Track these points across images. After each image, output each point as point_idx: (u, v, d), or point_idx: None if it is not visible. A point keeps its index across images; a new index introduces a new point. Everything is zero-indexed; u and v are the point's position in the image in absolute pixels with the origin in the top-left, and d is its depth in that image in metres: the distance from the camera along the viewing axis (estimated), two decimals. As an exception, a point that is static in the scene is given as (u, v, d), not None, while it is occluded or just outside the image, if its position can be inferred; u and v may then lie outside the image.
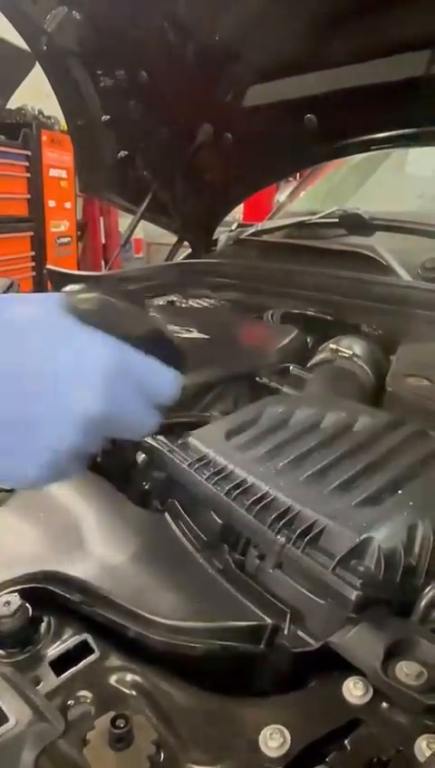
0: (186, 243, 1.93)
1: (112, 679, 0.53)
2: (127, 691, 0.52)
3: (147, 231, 5.59)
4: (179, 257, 1.93)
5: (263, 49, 1.29)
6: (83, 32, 1.41)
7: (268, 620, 0.56)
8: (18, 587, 0.58)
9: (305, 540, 0.58)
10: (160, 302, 1.53)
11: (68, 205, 5.12)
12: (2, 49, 3.31)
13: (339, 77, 1.26)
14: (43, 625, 0.57)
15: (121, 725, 0.48)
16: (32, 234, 4.70)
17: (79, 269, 5.00)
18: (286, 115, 1.38)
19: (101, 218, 5.95)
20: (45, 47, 1.43)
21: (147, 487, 0.84)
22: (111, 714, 0.49)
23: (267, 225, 1.81)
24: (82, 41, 1.43)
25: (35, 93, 3.53)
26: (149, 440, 0.80)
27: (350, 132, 1.45)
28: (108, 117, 1.59)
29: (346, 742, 0.47)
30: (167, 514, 0.72)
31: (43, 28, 1.39)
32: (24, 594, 0.57)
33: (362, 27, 1.17)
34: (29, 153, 4.51)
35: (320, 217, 1.61)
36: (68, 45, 1.45)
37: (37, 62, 1.54)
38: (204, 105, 1.50)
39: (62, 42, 1.43)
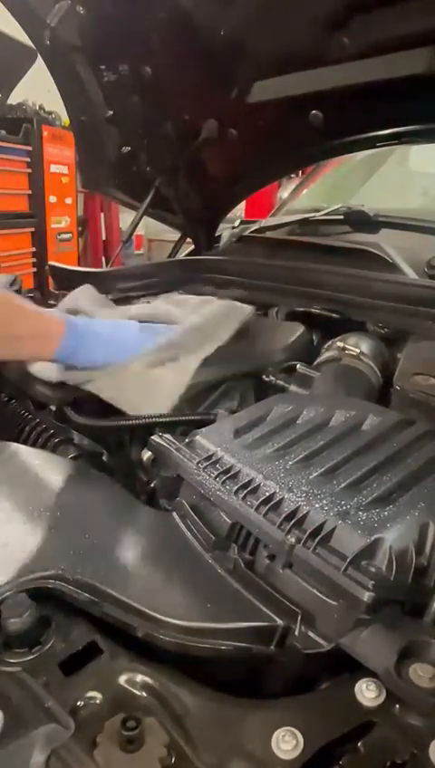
0: (188, 240, 1.92)
1: (122, 680, 0.52)
2: (137, 692, 0.51)
3: (147, 227, 5.58)
4: (182, 254, 1.92)
5: (269, 44, 1.28)
6: (87, 26, 1.39)
7: (279, 621, 0.55)
8: (27, 587, 0.57)
9: (316, 540, 0.58)
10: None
11: (69, 201, 5.10)
12: (3, 43, 3.30)
13: (345, 73, 1.25)
14: (52, 625, 0.56)
15: (132, 727, 0.47)
16: (32, 230, 4.68)
17: (79, 265, 4.98)
18: (292, 111, 1.37)
19: (102, 214, 5.94)
20: (48, 42, 1.42)
21: (154, 486, 0.84)
22: (121, 715, 0.49)
23: (271, 221, 1.80)
24: (86, 35, 1.42)
25: (36, 88, 3.51)
26: (156, 438, 0.80)
27: (355, 129, 1.44)
28: (111, 112, 1.57)
29: (359, 744, 0.46)
30: (175, 513, 0.72)
31: (46, 22, 1.38)
32: (33, 594, 0.56)
33: (368, 23, 1.17)
34: (30, 149, 4.49)
35: (324, 214, 1.60)
36: (71, 40, 1.44)
37: (39, 57, 1.53)
38: (208, 101, 1.49)
39: (66, 36, 1.42)
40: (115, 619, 0.56)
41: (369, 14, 1.15)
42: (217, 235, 1.87)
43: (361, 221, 1.50)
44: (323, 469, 0.67)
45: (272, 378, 1.00)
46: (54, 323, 0.93)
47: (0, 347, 0.92)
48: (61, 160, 4.82)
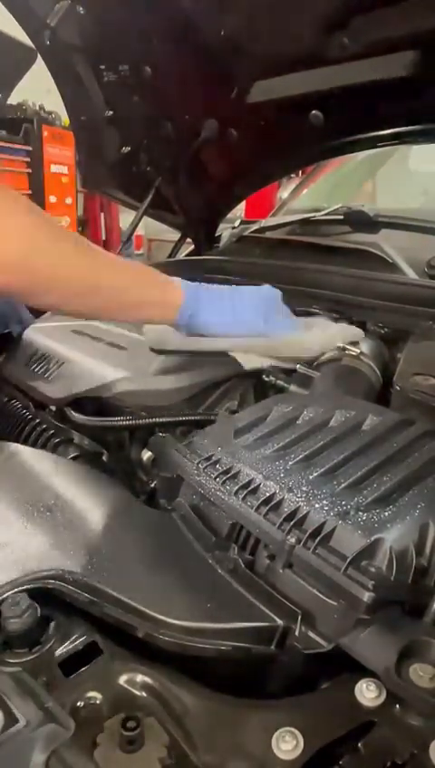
0: (188, 240, 1.92)
1: (122, 680, 0.52)
2: (137, 692, 0.52)
3: (147, 227, 5.58)
4: (182, 254, 1.92)
5: (269, 44, 1.28)
6: (87, 26, 1.39)
7: (279, 621, 0.55)
8: (26, 586, 0.57)
9: (316, 540, 0.57)
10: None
11: (69, 201, 5.11)
12: (3, 43, 3.29)
13: (345, 73, 1.25)
14: (52, 625, 0.56)
15: (132, 727, 0.47)
16: (32, 230, 4.68)
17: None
18: (292, 111, 1.37)
19: (102, 214, 5.94)
20: (48, 42, 1.42)
21: (154, 486, 0.84)
22: (121, 715, 0.49)
23: (271, 221, 1.80)
24: (86, 35, 1.42)
25: (37, 88, 3.51)
26: (156, 438, 0.80)
27: (355, 129, 1.44)
28: (111, 112, 1.57)
29: (359, 745, 0.47)
30: (175, 513, 0.72)
31: (46, 22, 1.38)
32: (33, 594, 0.56)
33: (368, 23, 1.17)
34: (30, 149, 4.50)
35: (324, 214, 1.60)
36: (71, 40, 1.44)
37: (39, 57, 1.53)
38: (208, 101, 1.49)
39: (66, 36, 1.42)
40: (115, 619, 0.56)
41: (369, 14, 1.15)
42: (217, 235, 1.87)
43: (361, 221, 1.50)
44: (323, 469, 0.67)
45: (272, 378, 1.00)
46: (174, 289, 0.98)
47: (127, 311, 0.97)
48: (61, 160, 4.83)
